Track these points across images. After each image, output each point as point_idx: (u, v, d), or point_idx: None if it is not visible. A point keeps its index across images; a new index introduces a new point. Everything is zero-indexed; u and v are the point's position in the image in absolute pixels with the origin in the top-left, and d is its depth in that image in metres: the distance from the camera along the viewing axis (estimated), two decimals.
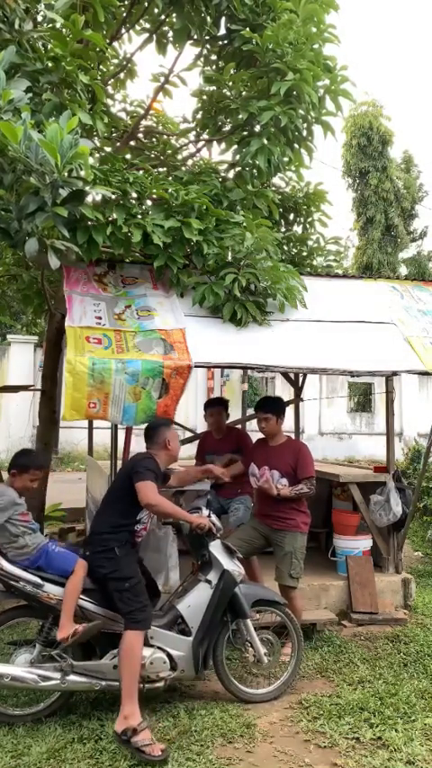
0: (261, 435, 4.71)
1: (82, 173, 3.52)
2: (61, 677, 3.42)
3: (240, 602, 3.76)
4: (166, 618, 3.71)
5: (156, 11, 5.20)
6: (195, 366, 4.08)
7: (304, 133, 5.12)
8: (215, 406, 5.29)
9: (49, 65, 4.12)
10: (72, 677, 3.43)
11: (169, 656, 3.59)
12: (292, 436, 5.01)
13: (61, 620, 3.37)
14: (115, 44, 5.65)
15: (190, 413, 13.38)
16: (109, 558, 3.53)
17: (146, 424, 3.91)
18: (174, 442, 3.83)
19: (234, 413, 13.73)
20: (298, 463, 4.45)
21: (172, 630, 3.67)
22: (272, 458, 4.53)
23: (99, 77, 4.57)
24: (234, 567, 3.77)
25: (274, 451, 4.56)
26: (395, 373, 4.93)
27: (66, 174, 3.40)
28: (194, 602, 3.70)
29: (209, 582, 3.73)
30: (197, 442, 5.71)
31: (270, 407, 4.62)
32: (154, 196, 4.60)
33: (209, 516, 3.83)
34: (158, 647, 3.58)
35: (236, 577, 3.74)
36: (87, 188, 3.64)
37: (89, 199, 4.06)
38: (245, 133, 5.14)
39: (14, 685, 3.43)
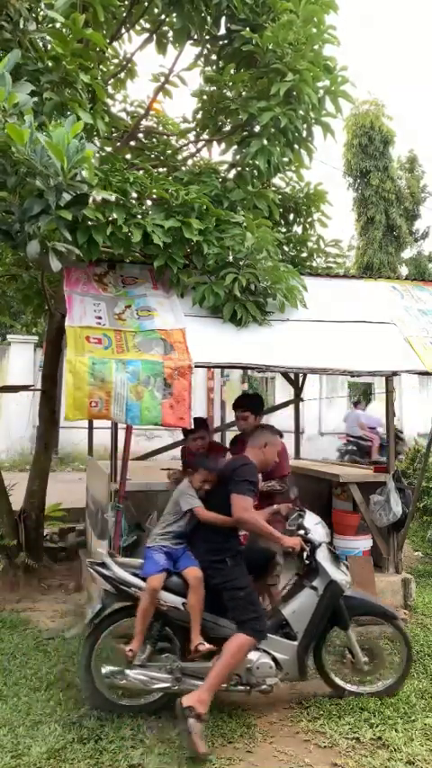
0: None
1: (85, 175, 3.52)
2: (173, 680, 3.50)
3: (342, 613, 3.78)
4: (270, 621, 3.75)
5: (156, 11, 5.20)
6: (195, 366, 4.07)
7: (304, 134, 5.11)
8: (198, 431, 4.64)
9: (50, 64, 4.13)
10: (183, 679, 3.51)
11: (274, 659, 3.64)
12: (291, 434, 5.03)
13: (191, 635, 3.50)
14: (115, 44, 5.64)
15: None
16: (220, 569, 3.59)
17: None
18: (271, 448, 3.97)
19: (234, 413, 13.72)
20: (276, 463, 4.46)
21: (277, 634, 3.70)
22: None
23: (99, 77, 4.57)
24: (341, 576, 3.77)
25: None
26: (395, 373, 4.92)
27: (70, 177, 3.41)
28: (300, 608, 3.74)
29: (315, 588, 3.74)
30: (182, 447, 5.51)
31: (248, 406, 4.72)
32: (154, 196, 4.60)
33: (305, 532, 3.81)
34: (264, 651, 3.62)
35: (343, 587, 3.75)
36: (90, 191, 3.65)
37: (89, 199, 4.06)
38: (245, 134, 5.14)
39: (127, 686, 3.52)
